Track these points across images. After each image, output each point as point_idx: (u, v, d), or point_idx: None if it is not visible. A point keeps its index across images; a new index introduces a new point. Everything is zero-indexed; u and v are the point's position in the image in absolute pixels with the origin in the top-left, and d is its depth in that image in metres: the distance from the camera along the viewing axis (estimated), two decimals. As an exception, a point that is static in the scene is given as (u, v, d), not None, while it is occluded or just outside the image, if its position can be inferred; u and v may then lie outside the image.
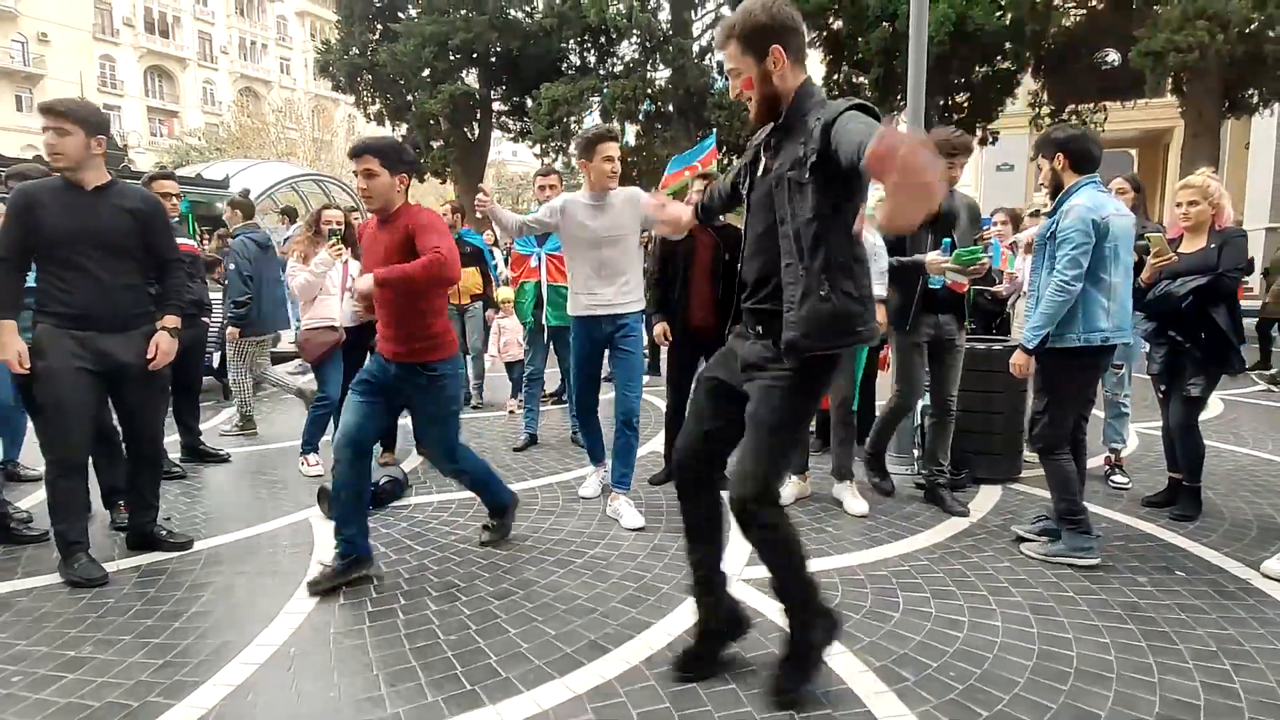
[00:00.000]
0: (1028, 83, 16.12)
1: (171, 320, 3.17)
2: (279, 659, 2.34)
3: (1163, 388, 3.67)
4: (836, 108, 1.81)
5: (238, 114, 38.38)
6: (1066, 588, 2.81)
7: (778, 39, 1.91)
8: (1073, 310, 2.92)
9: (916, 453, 4.31)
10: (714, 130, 14.71)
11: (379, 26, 19.48)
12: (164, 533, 3.27)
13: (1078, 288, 2.86)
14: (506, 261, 6.49)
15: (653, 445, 4.90)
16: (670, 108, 17.48)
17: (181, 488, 4.19)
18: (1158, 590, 2.77)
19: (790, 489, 3.80)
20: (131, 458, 3.22)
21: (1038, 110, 16.07)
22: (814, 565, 2.13)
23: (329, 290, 4.46)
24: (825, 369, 2.03)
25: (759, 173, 2.05)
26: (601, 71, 18.19)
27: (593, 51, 18.50)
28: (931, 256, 3.51)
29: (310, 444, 4.47)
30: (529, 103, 18.35)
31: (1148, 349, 3.72)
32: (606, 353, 3.71)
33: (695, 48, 17.94)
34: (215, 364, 6.37)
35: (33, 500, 3.81)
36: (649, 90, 17.33)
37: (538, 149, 17.85)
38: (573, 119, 16.73)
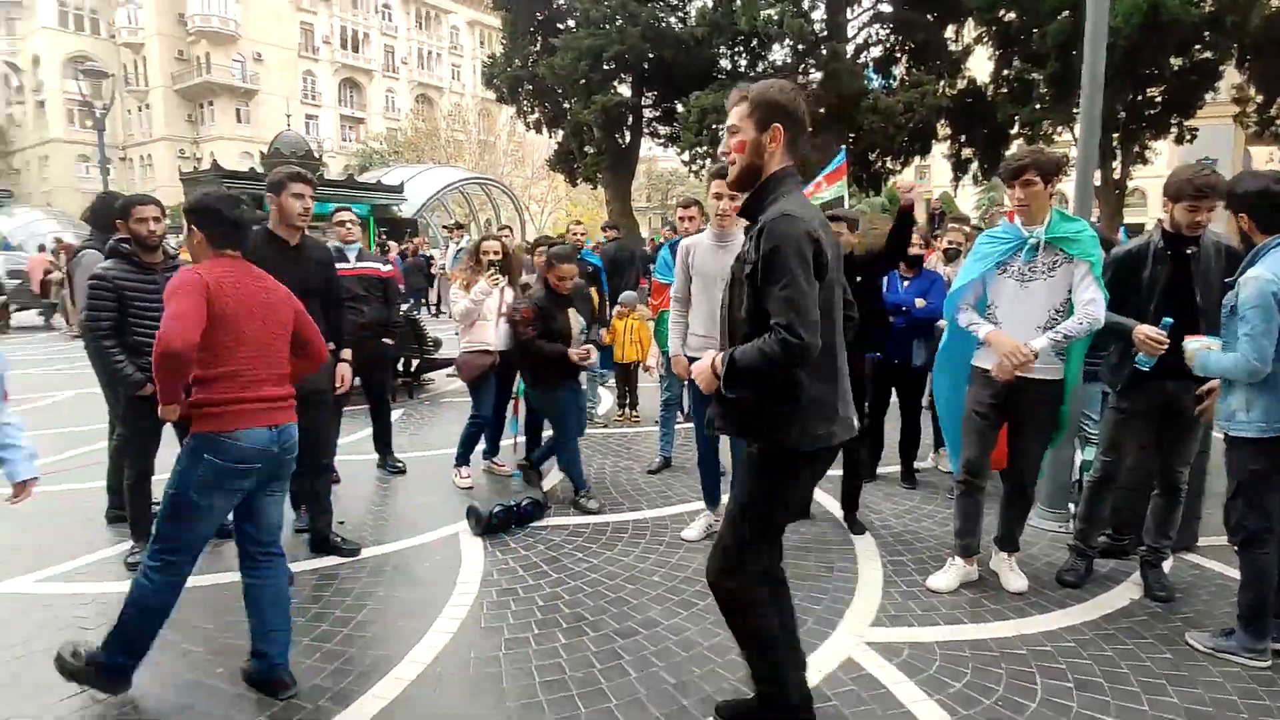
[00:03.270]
0: (1231, 74, 14.18)
1: (347, 353, 3.78)
2: (427, 679, 2.61)
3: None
4: (774, 230, 1.88)
5: (413, 120, 41.81)
6: (1231, 690, 2.53)
7: (782, 120, 2.00)
8: (1252, 392, 2.60)
9: (1072, 507, 3.99)
10: (846, 144, 14.10)
11: (540, 39, 20.46)
12: (338, 539, 3.71)
13: (1266, 369, 2.53)
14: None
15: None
16: (821, 111, 17.05)
17: (351, 493, 4.70)
18: (1354, 713, 2.43)
19: (953, 574, 3.36)
20: (310, 469, 3.68)
21: (1243, 107, 14.11)
22: (940, 632, 2.06)
23: (486, 316, 4.81)
24: (782, 461, 2.01)
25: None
26: (752, 75, 18.06)
27: (744, 56, 18.42)
28: (1144, 330, 3.00)
29: (463, 458, 4.86)
30: (679, 108, 18.60)
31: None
32: None
33: (849, 49, 17.38)
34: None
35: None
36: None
37: (686, 155, 18.04)
38: (721, 127, 16.74)
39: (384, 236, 16.34)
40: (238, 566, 2.58)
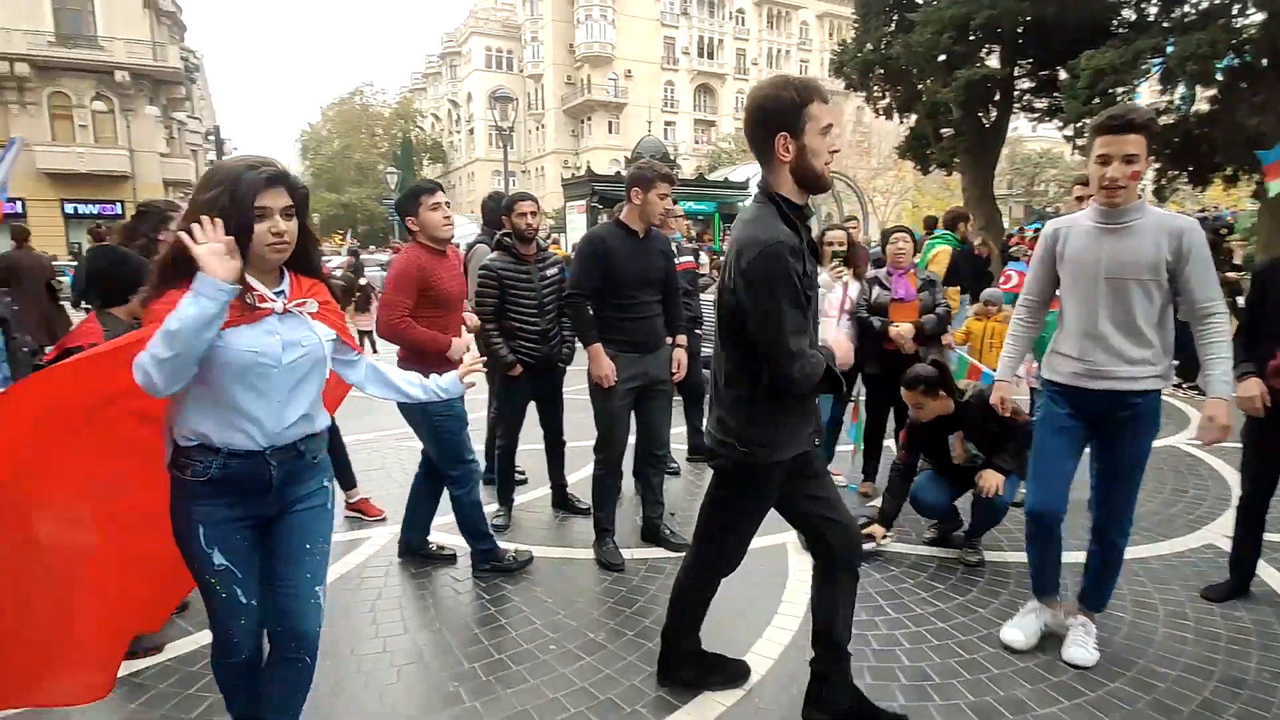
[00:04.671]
0: None
1: (682, 339, 3.75)
2: (744, 706, 2.40)
3: None
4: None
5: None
6: None
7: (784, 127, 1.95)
8: None
9: None
10: None
11: (895, 19, 19.15)
12: (667, 531, 3.72)
13: None
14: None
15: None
16: (1264, 63, 13.09)
17: (685, 485, 4.74)
18: None
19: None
20: (642, 457, 3.73)
21: None
22: None
23: (827, 313, 4.47)
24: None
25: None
26: (1165, 25, 14.59)
27: (1153, 2, 14.97)
28: None
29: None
30: (1062, 74, 15.88)
31: None
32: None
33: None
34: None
35: (575, 477, 4.71)
36: (1233, 41, 13.24)
37: (1069, 130, 15.35)
38: (1121, 90, 13.85)
39: (727, 234, 16.84)
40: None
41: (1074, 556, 3.49)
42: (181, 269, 1.64)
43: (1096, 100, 14.03)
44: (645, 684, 2.49)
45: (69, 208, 27.27)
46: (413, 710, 2.41)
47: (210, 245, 1.59)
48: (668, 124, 50.73)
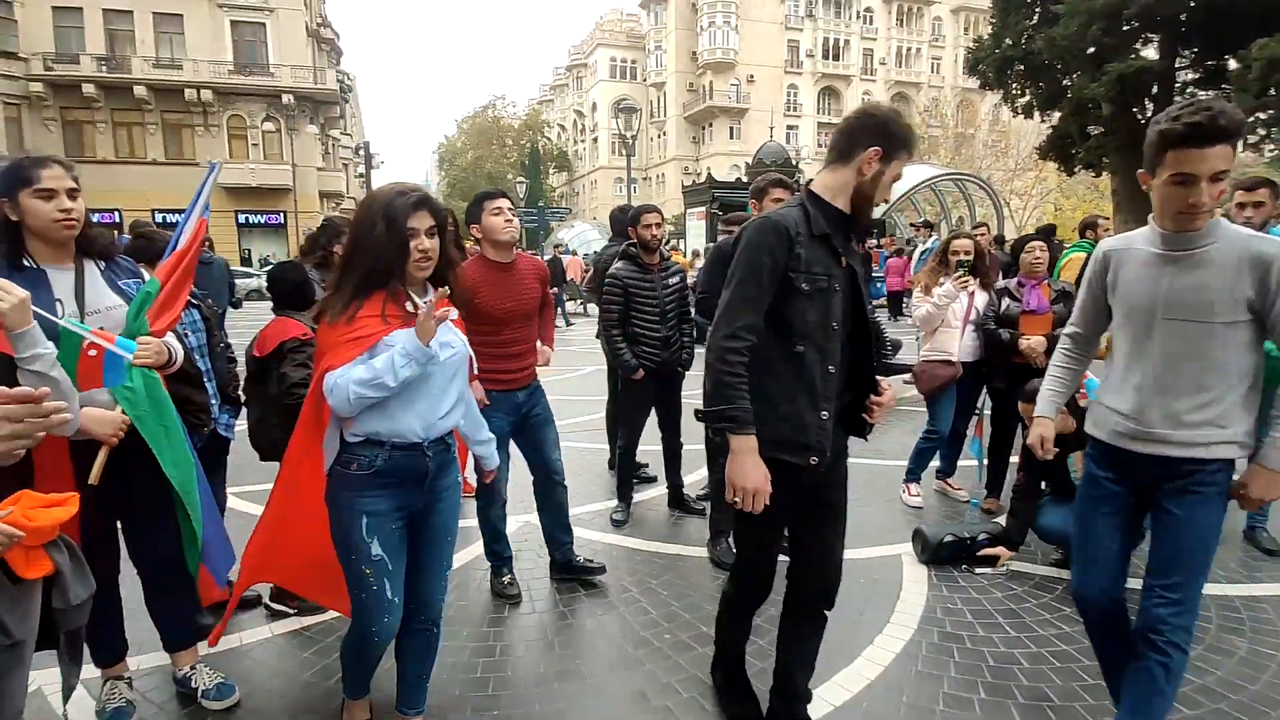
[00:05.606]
0: None
1: None
2: (851, 709, 2.45)
3: None
4: None
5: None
6: None
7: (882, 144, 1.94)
8: None
9: None
10: None
11: (1037, 11, 18.06)
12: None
13: None
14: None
15: None
16: None
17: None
18: None
19: None
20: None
21: None
22: None
23: (950, 323, 4.39)
24: None
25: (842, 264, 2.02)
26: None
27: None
28: None
29: (914, 474, 4.53)
30: (1231, 64, 14.43)
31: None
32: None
33: None
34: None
35: (692, 478, 4.88)
36: None
37: (1240, 125, 13.88)
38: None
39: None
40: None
41: (1216, 589, 3.28)
42: (367, 286, 1.95)
43: (1272, 92, 12.69)
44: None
45: (241, 218, 30.49)
46: (539, 682, 2.64)
47: (433, 322, 1.88)
48: (790, 128, 50.02)
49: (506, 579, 3.32)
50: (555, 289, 15.96)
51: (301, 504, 2.14)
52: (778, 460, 1.95)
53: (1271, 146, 14.58)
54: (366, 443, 1.99)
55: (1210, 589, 3.23)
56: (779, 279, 1.92)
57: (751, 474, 1.91)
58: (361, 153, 32.74)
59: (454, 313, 2.10)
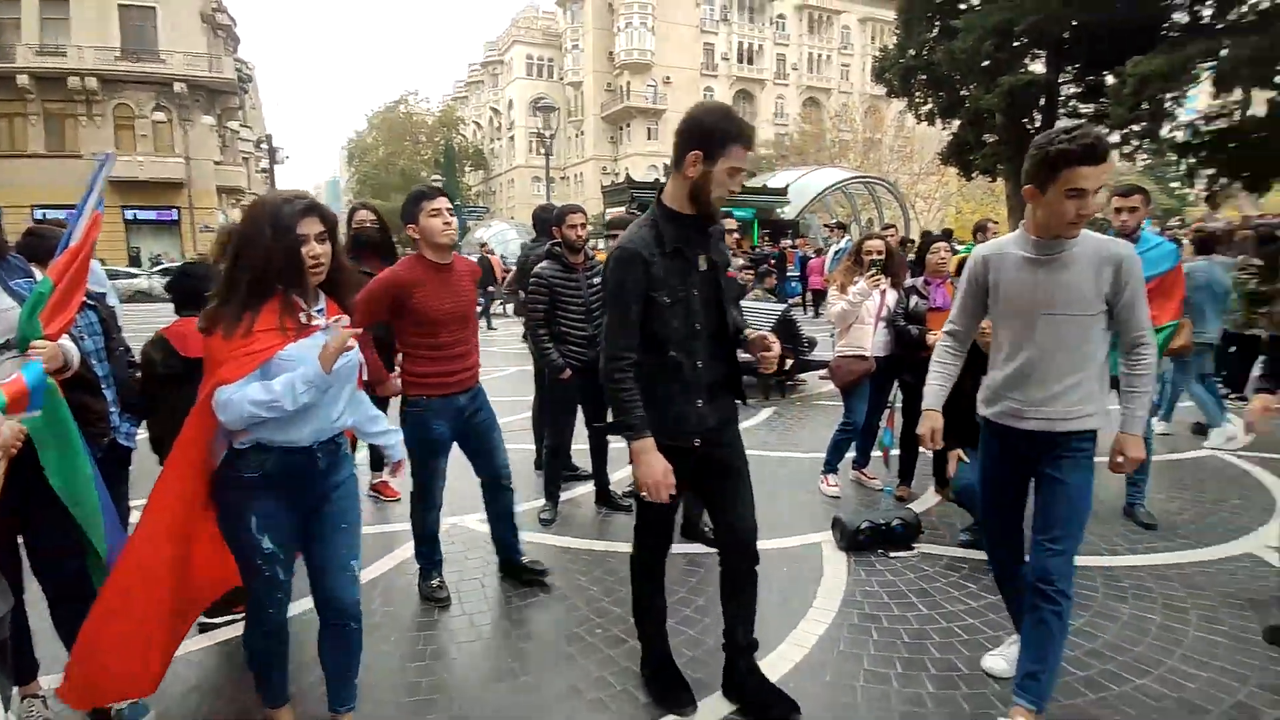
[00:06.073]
0: None
1: None
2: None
3: None
4: None
5: (800, 123, 42.62)
6: None
7: (701, 147, 2.12)
8: None
9: None
10: None
11: (938, 24, 19.06)
12: (706, 529, 3.87)
13: None
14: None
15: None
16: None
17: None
18: None
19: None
20: None
21: None
22: None
23: (864, 320, 4.58)
24: None
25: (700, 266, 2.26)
26: (1220, 28, 14.29)
27: (1208, 3, 14.68)
28: None
29: (831, 465, 4.71)
30: (1109, 79, 15.65)
31: None
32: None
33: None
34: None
35: (618, 475, 4.91)
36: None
37: (1116, 136, 15.10)
38: (1169, 96, 13.60)
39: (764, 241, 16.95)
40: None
41: (1101, 561, 3.57)
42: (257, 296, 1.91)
43: (1144, 106, 13.84)
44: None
45: (129, 214, 28.52)
46: (474, 683, 2.63)
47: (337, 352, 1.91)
48: (706, 130, 50.78)
49: (435, 582, 3.27)
50: (490, 289, 15.73)
51: (196, 519, 2.09)
52: (670, 447, 2.21)
53: (1143, 156, 15.88)
54: (256, 448, 1.98)
55: (1096, 561, 3.54)
56: (643, 299, 2.16)
57: (653, 471, 2.17)
58: (264, 146, 31.22)
59: (346, 319, 2.08)
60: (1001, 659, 2.67)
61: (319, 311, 2.05)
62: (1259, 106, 14.45)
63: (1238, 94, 14.06)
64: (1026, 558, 2.37)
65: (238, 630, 2.85)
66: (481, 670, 2.71)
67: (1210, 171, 15.34)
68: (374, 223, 4.35)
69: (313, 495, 2.10)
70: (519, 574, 3.44)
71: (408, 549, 3.74)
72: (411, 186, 4.06)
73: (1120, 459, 2.28)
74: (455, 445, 3.22)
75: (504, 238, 27.33)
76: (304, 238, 1.93)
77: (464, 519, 4.10)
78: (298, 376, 1.88)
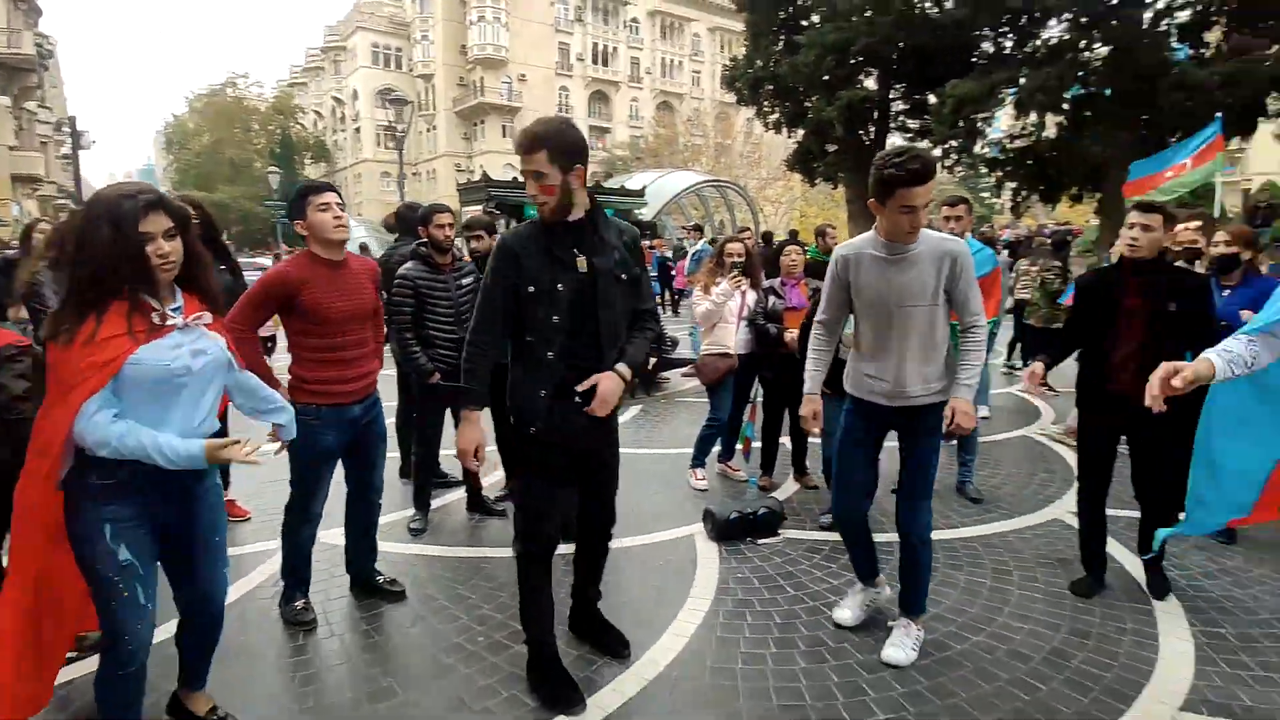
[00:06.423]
0: None
1: None
2: (664, 681, 2.62)
3: None
4: (631, 231, 2.53)
5: (654, 126, 43.60)
6: None
7: (583, 161, 2.32)
8: None
9: None
10: (1139, 130, 11.97)
11: (783, 39, 20.22)
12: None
13: None
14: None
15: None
16: (1107, 93, 14.82)
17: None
18: None
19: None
20: None
21: None
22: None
23: (727, 319, 4.79)
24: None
25: (578, 268, 2.36)
26: (1020, 57, 16.22)
27: (1010, 38, 16.64)
28: None
29: (699, 459, 4.89)
30: (931, 99, 17.33)
31: None
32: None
33: (1146, 17, 14.89)
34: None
35: (490, 480, 4.85)
36: (1079, 74, 14.91)
37: (938, 150, 16.73)
38: (980, 118, 15.27)
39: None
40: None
41: (940, 535, 3.95)
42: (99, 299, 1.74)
43: (961, 124, 15.44)
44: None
45: (-107, 201, 24.24)
46: (345, 705, 2.49)
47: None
48: (563, 130, 50.70)
49: (300, 604, 3.05)
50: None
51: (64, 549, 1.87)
52: (526, 433, 2.43)
53: (961, 169, 17.70)
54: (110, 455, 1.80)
55: (936, 535, 3.89)
56: (511, 289, 2.36)
57: (465, 437, 2.41)
58: (66, 130, 27.57)
59: (208, 316, 1.94)
60: (846, 610, 3.02)
61: (175, 310, 1.88)
62: (1051, 129, 16.57)
63: (1034, 117, 16.03)
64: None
65: (79, 671, 2.54)
66: (357, 693, 2.57)
67: (1014, 185, 17.40)
68: (196, 217, 3.98)
69: (174, 506, 1.95)
70: (375, 593, 3.28)
71: (262, 572, 3.51)
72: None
73: (953, 423, 2.63)
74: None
75: (353, 235, 25.87)
76: (149, 235, 1.76)
77: (327, 533, 3.86)
78: (181, 450, 1.80)
